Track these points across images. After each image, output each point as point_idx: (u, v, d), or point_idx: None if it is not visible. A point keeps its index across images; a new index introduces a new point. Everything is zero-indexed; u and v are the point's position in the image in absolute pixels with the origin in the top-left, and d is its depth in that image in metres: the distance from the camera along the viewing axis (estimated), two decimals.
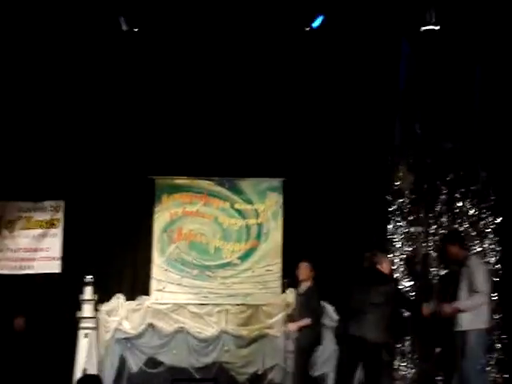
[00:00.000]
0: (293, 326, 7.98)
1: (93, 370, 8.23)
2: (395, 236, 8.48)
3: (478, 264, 6.85)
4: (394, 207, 8.50)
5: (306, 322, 7.85)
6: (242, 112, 9.16)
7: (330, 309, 8.65)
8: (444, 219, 8.37)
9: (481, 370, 6.72)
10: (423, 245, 8.44)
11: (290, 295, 8.83)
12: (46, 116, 9.01)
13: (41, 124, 9.02)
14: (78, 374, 8.14)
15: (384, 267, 7.25)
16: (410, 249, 8.52)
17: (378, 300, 6.87)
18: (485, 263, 7.43)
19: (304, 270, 8.16)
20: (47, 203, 9.22)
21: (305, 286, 8.16)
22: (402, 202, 8.51)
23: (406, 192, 8.53)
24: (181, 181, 9.38)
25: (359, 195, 9.04)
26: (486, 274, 6.83)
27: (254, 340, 8.93)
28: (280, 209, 9.34)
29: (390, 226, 8.50)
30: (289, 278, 8.66)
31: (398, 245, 8.43)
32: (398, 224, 8.48)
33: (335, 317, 8.59)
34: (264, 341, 8.90)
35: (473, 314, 6.62)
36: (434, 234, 8.39)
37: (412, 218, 8.47)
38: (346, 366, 7.03)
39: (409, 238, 8.49)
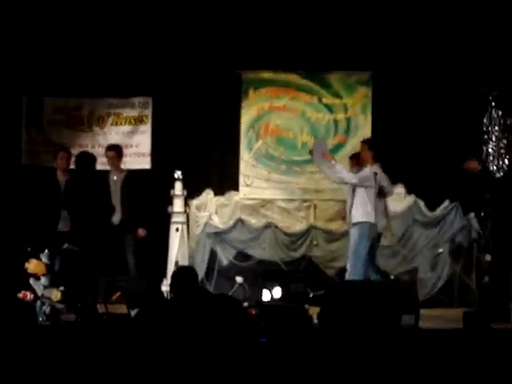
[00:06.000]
0: None
1: (184, 263, 8.39)
2: (490, 128, 8.22)
3: None
4: (491, 98, 8.19)
5: None
6: (328, 3, 8.85)
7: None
8: None
9: None
10: None
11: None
12: (133, 11, 8.93)
13: (128, 20, 8.95)
14: (170, 266, 8.33)
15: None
16: (505, 141, 8.27)
17: None
18: None
19: None
20: (135, 99, 9.30)
21: None
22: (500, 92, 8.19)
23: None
24: (267, 74, 9.24)
25: (452, 87, 8.74)
26: None
27: (343, 234, 8.91)
28: (369, 103, 9.13)
29: (485, 118, 8.23)
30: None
31: (493, 137, 8.18)
32: (493, 115, 8.20)
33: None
34: None
35: None
36: None
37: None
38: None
39: (504, 130, 8.23)
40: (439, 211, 8.70)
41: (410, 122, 8.90)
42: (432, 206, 8.73)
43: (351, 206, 7.74)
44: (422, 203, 8.73)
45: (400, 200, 8.71)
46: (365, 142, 7.99)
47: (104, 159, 9.02)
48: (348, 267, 7.61)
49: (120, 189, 8.29)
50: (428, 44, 8.79)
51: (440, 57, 8.77)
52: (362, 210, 7.61)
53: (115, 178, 8.33)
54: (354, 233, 7.66)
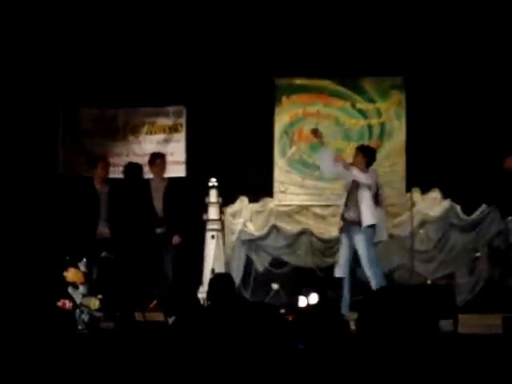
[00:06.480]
0: None
1: (220, 270, 8.41)
2: None
3: None
4: None
5: None
6: (362, 9, 8.82)
7: None
8: None
9: None
10: None
11: (416, 194, 8.70)
12: (166, 21, 9.00)
13: (161, 30, 9.03)
14: (206, 273, 8.37)
15: None
16: None
17: None
18: None
19: None
20: (169, 108, 9.36)
21: None
22: None
23: None
24: (301, 81, 9.25)
25: (486, 89, 8.67)
26: None
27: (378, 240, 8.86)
28: (403, 107, 9.08)
29: None
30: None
31: None
32: None
33: None
34: (389, 241, 8.80)
35: None
36: None
37: None
38: None
39: None
40: (476, 215, 8.63)
41: (444, 125, 8.84)
42: (469, 211, 8.66)
43: (348, 207, 7.68)
44: (458, 207, 8.66)
45: (436, 204, 8.66)
46: (359, 148, 7.95)
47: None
48: (370, 278, 7.53)
49: (162, 196, 8.33)
50: (461, 46, 8.72)
51: (474, 59, 8.70)
52: (371, 212, 7.60)
53: (158, 185, 8.36)
54: (360, 239, 7.59)
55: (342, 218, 7.80)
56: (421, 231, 8.68)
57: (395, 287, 7.58)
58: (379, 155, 9.05)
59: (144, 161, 8.82)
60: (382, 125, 9.14)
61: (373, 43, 8.86)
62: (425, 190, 8.78)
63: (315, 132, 7.94)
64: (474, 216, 8.63)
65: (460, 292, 8.22)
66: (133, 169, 7.97)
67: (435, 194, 8.70)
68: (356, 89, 9.18)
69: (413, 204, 8.54)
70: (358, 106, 9.19)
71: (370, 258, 7.58)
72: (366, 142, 9.07)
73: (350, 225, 7.67)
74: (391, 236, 8.77)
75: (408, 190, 8.75)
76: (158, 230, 8.08)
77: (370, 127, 9.18)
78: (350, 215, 7.67)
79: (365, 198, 7.61)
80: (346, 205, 7.76)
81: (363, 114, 9.19)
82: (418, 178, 8.77)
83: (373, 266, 7.57)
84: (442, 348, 4.86)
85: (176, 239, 8.20)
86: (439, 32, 8.74)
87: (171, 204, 8.28)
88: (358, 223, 7.59)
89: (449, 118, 8.83)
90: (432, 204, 8.71)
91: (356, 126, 9.21)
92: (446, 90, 8.85)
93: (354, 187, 7.71)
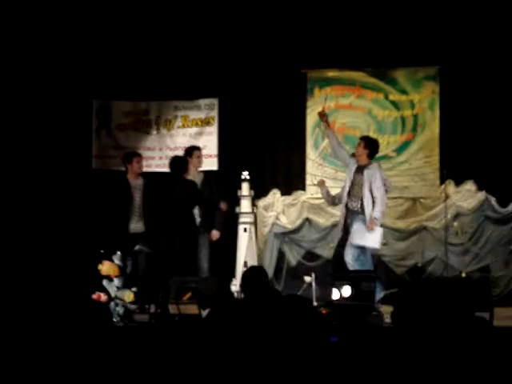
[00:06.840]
0: None
1: (253, 263, 8.42)
2: None
3: None
4: None
5: None
6: None
7: None
8: None
9: None
10: None
11: (450, 186, 8.62)
12: (197, 13, 9.01)
13: (193, 23, 9.03)
14: (239, 266, 8.38)
15: None
16: None
17: None
18: None
19: None
20: (202, 101, 9.36)
21: None
22: None
23: None
24: (333, 73, 9.20)
25: None
26: None
27: (413, 233, 8.80)
28: (437, 98, 8.98)
29: None
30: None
31: None
32: None
33: None
34: (423, 233, 8.75)
35: None
36: None
37: None
38: None
39: None
40: (511, 207, 8.52)
41: (479, 116, 8.73)
42: (504, 202, 8.56)
43: (350, 197, 7.69)
44: (493, 199, 8.56)
45: (471, 197, 8.57)
46: (362, 138, 7.95)
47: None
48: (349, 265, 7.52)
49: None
50: (499, 35, 8.58)
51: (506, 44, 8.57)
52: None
53: (193, 178, 8.36)
54: (358, 227, 7.62)
55: (346, 207, 7.80)
56: (455, 224, 8.59)
57: (430, 280, 7.51)
58: (412, 148, 9.03)
59: (177, 154, 8.87)
60: (415, 117, 9.06)
61: (406, 33, 8.76)
62: (459, 182, 8.69)
63: (322, 115, 8.05)
64: (509, 208, 8.53)
65: (495, 285, 8.15)
66: (178, 162, 8.03)
67: (469, 185, 8.61)
68: (389, 80, 9.09)
69: (447, 196, 8.48)
70: (391, 97, 9.11)
71: (359, 249, 7.61)
72: (398, 135, 9.04)
73: (352, 214, 7.69)
74: (425, 228, 8.75)
75: (442, 182, 8.68)
76: (197, 220, 8.13)
77: (403, 119, 9.10)
78: (353, 205, 7.70)
79: (379, 199, 7.65)
80: (349, 194, 7.74)
81: (396, 105, 9.11)
82: (452, 169, 8.68)
83: (358, 260, 7.61)
84: (478, 341, 4.80)
85: (215, 234, 8.20)
86: (475, 20, 8.61)
87: (207, 197, 8.30)
88: (360, 212, 7.63)
89: (483, 109, 8.71)
90: (466, 196, 8.62)
91: (389, 117, 9.13)
92: (480, 80, 8.72)
93: (357, 178, 7.71)
